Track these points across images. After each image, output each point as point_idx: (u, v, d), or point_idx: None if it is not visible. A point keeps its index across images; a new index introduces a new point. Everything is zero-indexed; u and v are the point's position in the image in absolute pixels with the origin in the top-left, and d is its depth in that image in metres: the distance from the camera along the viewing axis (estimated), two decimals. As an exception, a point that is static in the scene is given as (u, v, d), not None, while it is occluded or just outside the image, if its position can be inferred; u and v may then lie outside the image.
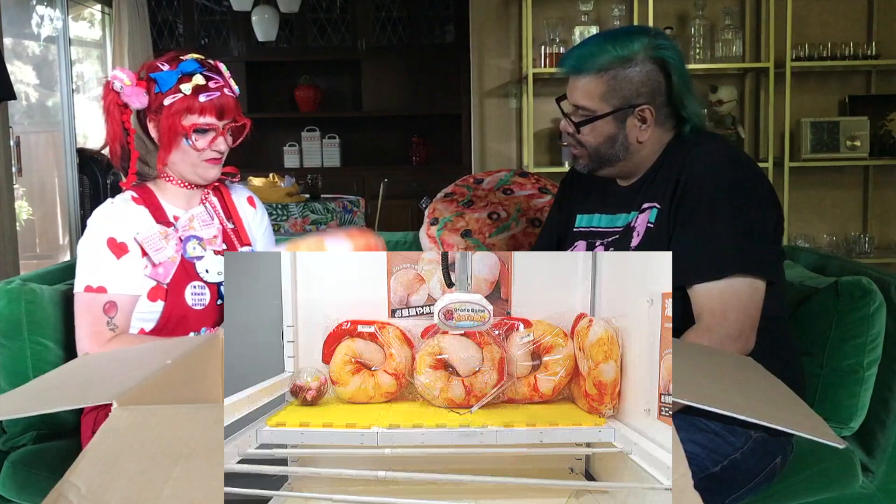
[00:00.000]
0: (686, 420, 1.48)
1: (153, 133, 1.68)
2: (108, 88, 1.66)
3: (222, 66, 1.70)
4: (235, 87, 1.71)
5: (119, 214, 1.67)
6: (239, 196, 1.88)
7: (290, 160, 6.43)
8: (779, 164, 4.23)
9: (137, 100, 1.64)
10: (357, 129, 6.58)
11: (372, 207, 5.26)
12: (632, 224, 1.67)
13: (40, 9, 5.32)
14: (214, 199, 1.81)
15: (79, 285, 1.65)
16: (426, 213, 2.31)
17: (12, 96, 3.71)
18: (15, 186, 4.02)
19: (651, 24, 4.11)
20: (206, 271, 1.70)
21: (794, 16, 4.14)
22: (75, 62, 5.58)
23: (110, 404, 1.66)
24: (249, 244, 1.83)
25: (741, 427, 1.52)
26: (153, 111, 1.66)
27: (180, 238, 1.70)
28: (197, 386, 1.18)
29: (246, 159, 6.45)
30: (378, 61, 6.39)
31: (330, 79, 6.58)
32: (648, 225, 1.63)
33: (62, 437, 1.87)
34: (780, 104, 4.20)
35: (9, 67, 3.75)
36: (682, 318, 1.56)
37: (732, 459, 1.50)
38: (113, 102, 1.66)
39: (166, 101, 1.63)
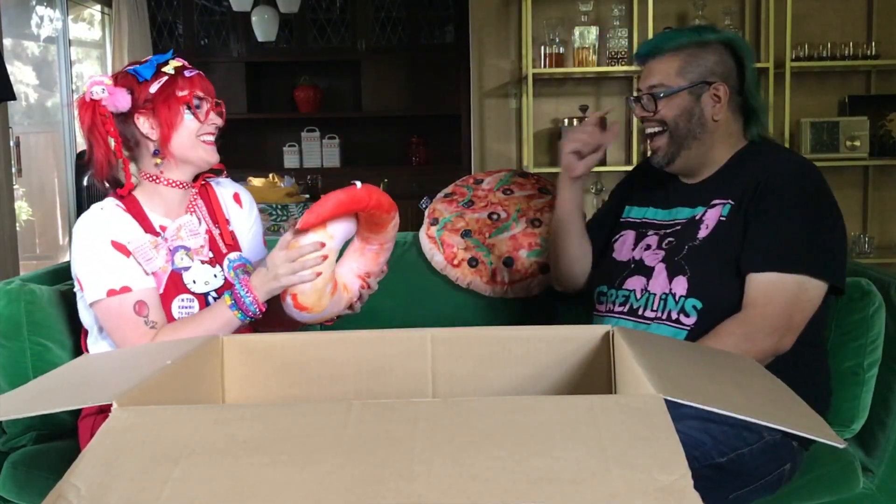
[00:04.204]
0: (703, 410, 1.49)
1: (145, 129, 1.64)
2: (86, 103, 1.62)
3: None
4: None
5: (111, 219, 1.63)
6: (226, 194, 1.82)
7: (290, 160, 6.42)
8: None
9: (123, 100, 1.61)
10: (357, 129, 6.58)
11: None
12: (698, 217, 1.70)
13: (40, 9, 5.32)
14: (201, 203, 1.77)
15: (99, 292, 1.59)
16: (426, 213, 2.31)
17: (12, 97, 3.71)
18: (15, 187, 4.02)
19: (651, 24, 4.11)
20: (194, 282, 1.67)
21: (794, 16, 4.14)
22: (75, 63, 5.58)
23: (108, 408, 1.66)
24: (238, 249, 1.78)
25: (756, 426, 1.53)
26: (140, 106, 1.63)
27: (169, 248, 1.66)
28: (197, 386, 1.18)
29: (246, 159, 6.45)
30: (378, 61, 6.39)
31: (330, 79, 6.58)
32: (721, 219, 1.66)
33: (62, 437, 1.87)
34: (780, 104, 4.20)
35: (9, 68, 3.75)
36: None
37: (739, 453, 1.51)
38: (96, 114, 1.62)
39: (153, 88, 1.62)
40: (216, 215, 1.77)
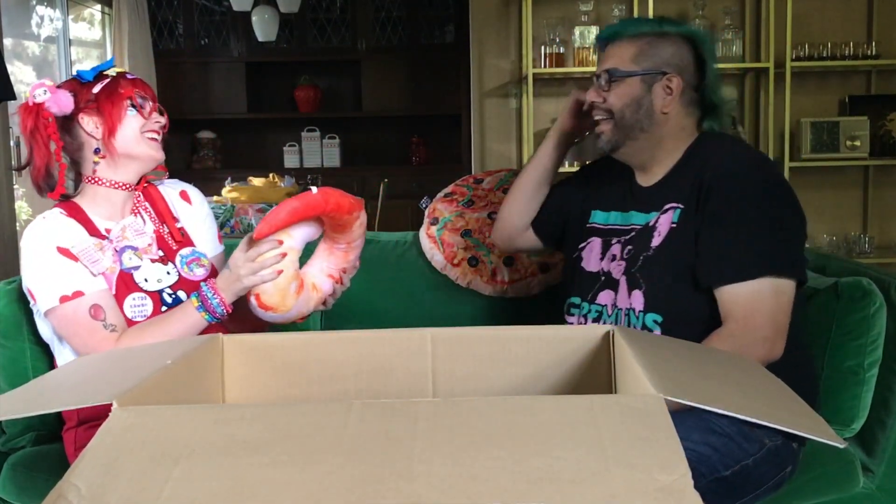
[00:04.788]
0: (702, 420, 1.48)
1: (89, 127, 1.64)
2: (29, 107, 1.62)
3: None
4: None
5: (55, 227, 1.62)
6: (171, 193, 1.81)
7: (290, 160, 6.43)
8: (778, 164, 4.23)
9: (65, 100, 1.62)
10: (357, 129, 6.59)
11: (372, 207, 5.26)
12: (651, 224, 1.67)
13: (40, 9, 5.32)
14: (147, 204, 1.76)
15: (51, 300, 1.58)
16: (426, 213, 2.31)
17: (12, 96, 3.70)
18: (15, 186, 4.02)
19: (651, 24, 4.11)
20: (146, 280, 1.66)
21: (794, 16, 4.14)
22: (75, 62, 5.58)
23: (89, 420, 1.66)
24: (191, 244, 1.77)
25: (756, 434, 1.52)
26: (83, 106, 1.64)
27: (115, 249, 1.65)
28: (197, 386, 1.18)
29: (246, 159, 6.46)
30: (378, 61, 6.40)
31: (330, 79, 6.59)
32: (672, 225, 1.63)
33: (62, 439, 1.86)
34: (780, 104, 4.20)
35: (9, 67, 3.75)
36: (710, 319, 1.56)
37: (744, 465, 1.50)
38: (39, 118, 1.62)
39: (95, 89, 1.64)
40: (163, 214, 1.77)
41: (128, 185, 1.70)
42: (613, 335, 1.23)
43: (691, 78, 1.68)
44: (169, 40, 6.30)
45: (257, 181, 4.29)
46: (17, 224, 4.05)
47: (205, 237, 1.81)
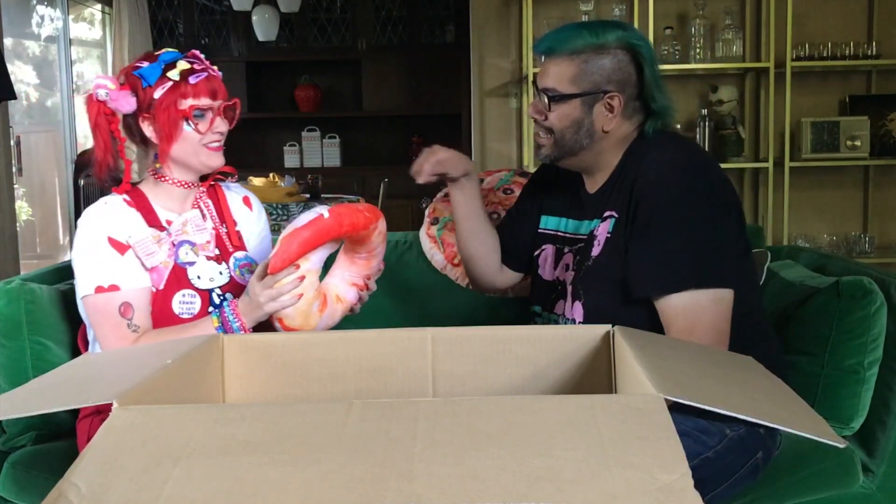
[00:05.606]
0: None
1: (149, 132, 1.64)
2: (93, 101, 1.61)
3: (198, 53, 1.67)
4: (217, 70, 1.68)
5: (113, 214, 1.63)
6: (234, 197, 1.82)
7: (291, 160, 6.43)
8: (779, 164, 4.24)
9: (126, 103, 1.60)
10: (357, 129, 6.59)
11: (372, 207, 5.25)
12: (594, 232, 1.65)
13: (40, 9, 5.33)
14: (209, 201, 1.76)
15: (88, 288, 1.59)
16: (426, 212, 2.31)
17: (12, 96, 3.71)
18: (15, 186, 4.02)
19: (651, 24, 4.12)
20: (199, 277, 1.66)
21: (795, 16, 4.14)
22: (75, 62, 5.58)
23: (105, 410, 1.65)
24: (244, 248, 1.77)
25: (716, 426, 1.52)
26: (144, 110, 1.62)
27: (173, 243, 1.66)
28: (197, 386, 1.18)
29: (246, 159, 6.46)
30: (378, 61, 6.40)
31: (330, 79, 6.59)
32: (607, 235, 1.61)
33: (62, 437, 1.87)
34: (781, 104, 4.20)
35: (9, 67, 3.75)
36: (651, 329, 1.53)
37: (704, 458, 1.49)
38: (101, 113, 1.61)
39: (157, 94, 1.60)
40: (223, 214, 1.78)
41: (190, 184, 1.71)
42: (613, 335, 1.23)
43: (633, 89, 1.63)
44: (169, 40, 6.31)
45: (257, 181, 4.28)
46: (18, 224, 4.05)
47: (261, 245, 1.82)
